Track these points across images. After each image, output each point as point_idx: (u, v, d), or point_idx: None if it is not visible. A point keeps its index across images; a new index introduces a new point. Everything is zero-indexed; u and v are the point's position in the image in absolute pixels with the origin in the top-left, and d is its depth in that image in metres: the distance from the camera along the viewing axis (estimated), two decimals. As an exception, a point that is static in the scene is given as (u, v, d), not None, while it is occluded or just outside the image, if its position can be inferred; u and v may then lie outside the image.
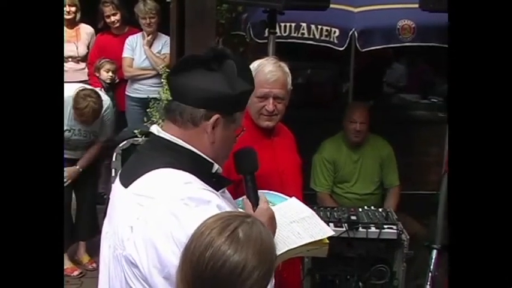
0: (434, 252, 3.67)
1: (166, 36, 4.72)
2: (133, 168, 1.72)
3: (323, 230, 2.00)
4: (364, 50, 4.08)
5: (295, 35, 4.01)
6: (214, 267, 1.24)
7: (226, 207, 1.62)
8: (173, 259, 1.47)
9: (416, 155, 5.08)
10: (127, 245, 1.58)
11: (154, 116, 3.88)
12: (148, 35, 4.88)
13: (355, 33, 4.01)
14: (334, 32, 4.04)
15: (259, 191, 1.88)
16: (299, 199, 2.16)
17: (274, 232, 1.73)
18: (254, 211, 1.74)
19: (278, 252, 1.75)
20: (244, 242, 1.26)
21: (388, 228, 3.07)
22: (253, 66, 2.46)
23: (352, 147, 4.13)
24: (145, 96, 4.70)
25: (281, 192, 2.19)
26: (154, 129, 1.74)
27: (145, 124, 3.78)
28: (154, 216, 1.55)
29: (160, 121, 3.85)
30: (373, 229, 3.04)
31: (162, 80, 4.17)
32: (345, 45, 4.06)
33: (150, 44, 4.91)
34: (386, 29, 4.12)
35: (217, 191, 1.68)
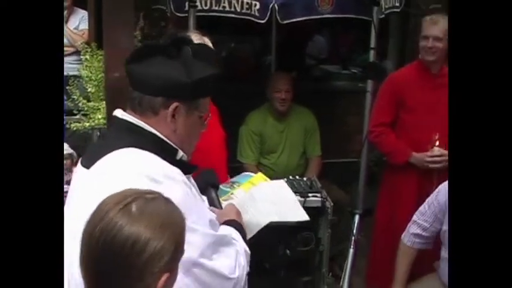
0: (357, 217, 3.80)
1: (84, 11, 4.55)
2: (95, 150, 1.66)
3: (299, 214, 2.25)
4: (284, 22, 4.07)
5: (216, 8, 3.94)
6: (105, 240, 1.20)
7: (192, 187, 1.61)
8: None
9: (338, 124, 5.17)
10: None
11: (74, 93, 3.75)
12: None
13: (276, 6, 3.99)
14: (255, 5, 4.01)
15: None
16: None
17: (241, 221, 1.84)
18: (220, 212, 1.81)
19: (257, 228, 1.96)
20: (136, 216, 1.22)
21: (312, 196, 3.13)
22: None
23: (277, 118, 4.16)
24: (64, 73, 4.53)
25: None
26: (118, 112, 1.67)
27: (65, 102, 3.66)
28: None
29: (81, 98, 3.74)
30: (298, 198, 3.08)
31: (81, 57, 4.04)
32: (266, 18, 4.03)
33: (66, 20, 4.71)
34: (306, 1, 4.13)
35: None
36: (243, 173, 2.58)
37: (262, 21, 4.04)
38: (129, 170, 1.53)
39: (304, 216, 2.38)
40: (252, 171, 4.12)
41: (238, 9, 3.98)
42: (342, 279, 3.59)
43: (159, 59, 1.62)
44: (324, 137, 4.31)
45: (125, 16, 2.92)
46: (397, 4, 4.23)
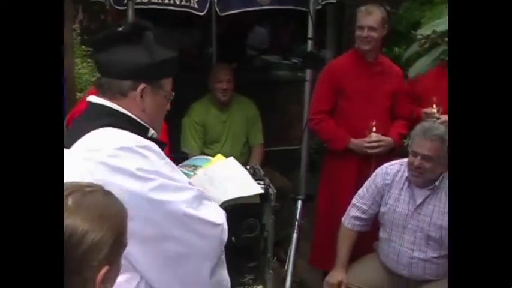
0: (299, 203, 3.87)
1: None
2: (73, 133, 1.75)
3: (253, 188, 2.40)
4: (223, 14, 4.11)
5: (155, 1, 3.94)
6: None
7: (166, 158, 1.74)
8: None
9: (279, 113, 5.25)
10: None
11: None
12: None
13: (215, -3, 4.04)
14: (194, -3, 4.04)
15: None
16: None
17: None
18: None
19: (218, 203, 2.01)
20: (72, 209, 1.23)
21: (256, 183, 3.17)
22: None
23: (219, 108, 4.20)
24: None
25: None
26: (92, 98, 1.79)
27: None
28: (106, 166, 1.62)
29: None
30: (241, 186, 3.13)
31: None
32: (206, 10, 4.05)
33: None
34: (245, -7, 4.18)
35: None
36: (201, 156, 2.64)
37: (202, 14, 4.05)
38: (110, 144, 1.65)
39: (258, 190, 2.51)
40: (196, 162, 4.19)
41: (178, 2, 3.99)
42: (286, 263, 3.67)
43: (123, 45, 1.75)
44: (265, 125, 4.38)
45: (64, 10, 2.89)
46: (333, -5, 4.33)
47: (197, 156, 2.66)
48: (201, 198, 1.79)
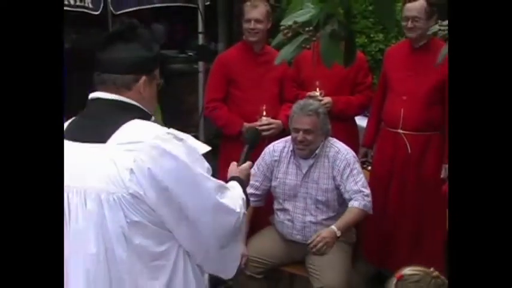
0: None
1: None
2: (98, 126, 1.85)
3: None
4: (118, 12, 4.24)
5: (50, 2, 4.00)
6: None
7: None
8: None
9: (178, 103, 5.40)
10: (130, 185, 1.74)
11: None
12: None
13: (108, -3, 4.16)
14: (88, -3, 4.14)
15: None
16: None
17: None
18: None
19: None
20: None
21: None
22: None
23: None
24: None
25: None
26: (100, 94, 1.89)
27: None
28: (151, 153, 1.74)
29: None
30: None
31: None
32: (100, 10, 4.18)
33: None
34: (137, -8, 4.33)
35: None
36: None
37: (97, 13, 4.17)
38: (149, 134, 1.78)
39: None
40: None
41: (72, 2, 4.08)
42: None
43: (120, 43, 1.90)
44: (166, 115, 4.51)
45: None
46: (221, -10, 4.55)
47: None
48: (223, 187, 1.94)
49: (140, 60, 1.91)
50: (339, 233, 3.25)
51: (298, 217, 3.35)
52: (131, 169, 1.76)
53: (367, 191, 3.32)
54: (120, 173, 1.76)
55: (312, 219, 3.32)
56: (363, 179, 3.34)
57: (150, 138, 1.78)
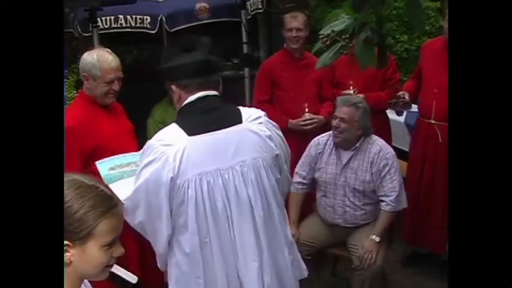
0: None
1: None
2: (228, 113, 2.22)
3: None
4: (172, 30, 4.49)
5: (115, 25, 4.29)
6: None
7: None
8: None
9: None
10: (274, 148, 2.21)
11: None
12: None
13: (163, 17, 4.42)
14: (146, 19, 4.42)
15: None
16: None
17: None
18: None
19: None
20: None
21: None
22: (94, 57, 2.82)
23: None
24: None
25: (121, 152, 2.73)
26: (213, 92, 2.22)
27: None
28: (268, 125, 2.25)
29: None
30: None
31: None
32: (156, 29, 4.45)
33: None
34: (187, 11, 4.57)
35: None
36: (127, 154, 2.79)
37: (153, 32, 4.43)
38: (255, 115, 2.25)
39: None
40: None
41: (133, 24, 4.36)
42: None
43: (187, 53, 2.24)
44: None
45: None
46: (260, 6, 4.76)
47: (123, 155, 2.77)
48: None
49: (217, 64, 2.27)
50: (378, 239, 3.32)
51: (338, 203, 3.46)
52: (269, 135, 2.19)
53: (398, 191, 3.38)
54: (265, 140, 2.17)
55: (351, 205, 3.45)
56: (399, 177, 3.41)
57: (260, 115, 2.22)
